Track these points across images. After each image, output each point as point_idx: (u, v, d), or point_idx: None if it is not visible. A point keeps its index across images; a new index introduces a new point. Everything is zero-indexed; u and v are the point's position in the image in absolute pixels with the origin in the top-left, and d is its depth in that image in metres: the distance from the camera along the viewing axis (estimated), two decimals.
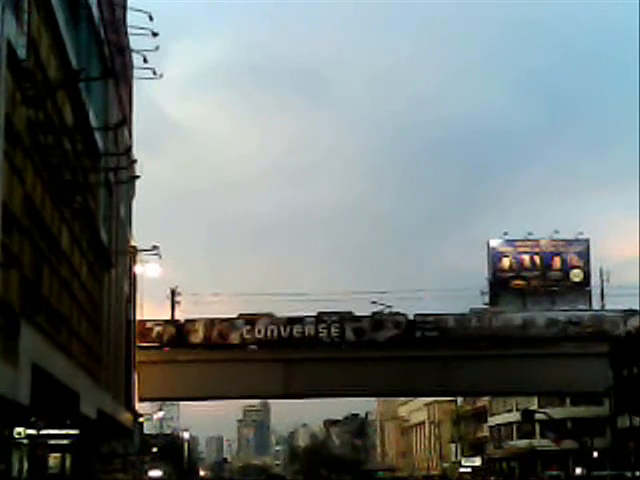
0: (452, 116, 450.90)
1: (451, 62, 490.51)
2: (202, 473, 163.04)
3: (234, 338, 64.12)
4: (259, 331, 64.21)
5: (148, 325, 62.79)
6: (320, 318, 64.63)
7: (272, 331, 64.13)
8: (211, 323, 64.42)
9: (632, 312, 66.01)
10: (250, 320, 64.41)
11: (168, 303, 69.16)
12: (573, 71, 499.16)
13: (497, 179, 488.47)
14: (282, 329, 64.16)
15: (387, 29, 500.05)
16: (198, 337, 64.14)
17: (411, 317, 64.83)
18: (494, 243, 75.98)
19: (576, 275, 74.85)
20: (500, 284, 74.47)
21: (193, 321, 64.63)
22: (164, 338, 63.80)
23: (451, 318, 65.22)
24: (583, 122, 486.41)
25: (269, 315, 65.06)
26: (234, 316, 64.96)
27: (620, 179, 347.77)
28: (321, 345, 64.34)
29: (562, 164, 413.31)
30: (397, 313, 65.77)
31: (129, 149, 37.42)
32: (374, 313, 65.94)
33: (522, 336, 64.10)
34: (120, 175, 32.95)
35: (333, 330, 64.32)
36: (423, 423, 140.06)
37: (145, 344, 60.54)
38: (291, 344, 63.83)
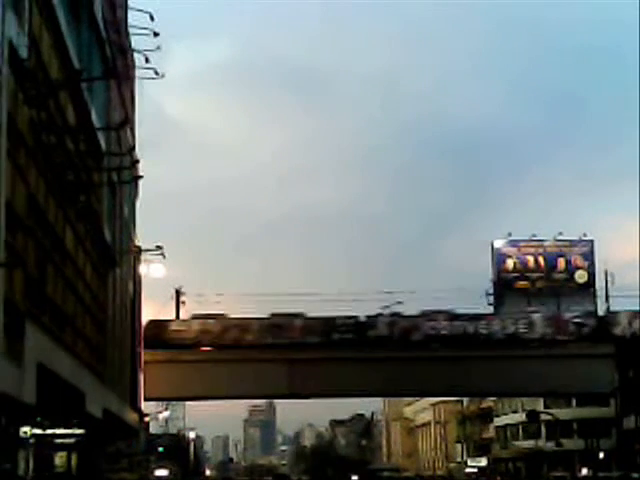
0: (453, 115, 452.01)
1: (452, 60, 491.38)
2: (208, 473, 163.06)
3: None
4: None
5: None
6: None
7: None
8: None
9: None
10: None
11: (172, 303, 69.14)
12: (577, 70, 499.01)
13: (500, 180, 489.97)
14: None
15: (384, 29, 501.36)
16: None
17: None
18: (498, 244, 75.81)
19: (581, 276, 74.62)
20: (504, 285, 74.27)
21: None
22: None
23: None
24: (588, 122, 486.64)
25: None
26: None
27: (624, 179, 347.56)
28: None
29: (566, 165, 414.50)
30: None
31: (132, 149, 37.44)
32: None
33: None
34: (123, 175, 32.99)
35: None
36: (429, 423, 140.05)
37: None
38: None
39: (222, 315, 65.51)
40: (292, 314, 65.22)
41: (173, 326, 65.03)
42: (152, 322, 63.88)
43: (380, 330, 65.00)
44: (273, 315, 65.24)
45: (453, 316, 65.79)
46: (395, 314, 66.55)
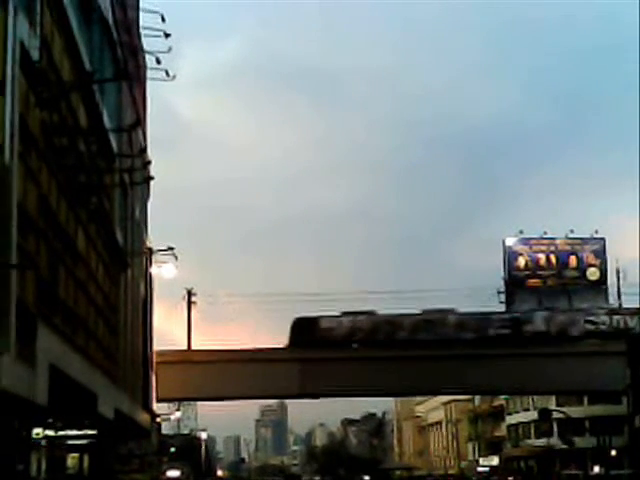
0: (463, 114, 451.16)
1: (462, 59, 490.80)
2: (220, 473, 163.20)
3: None
4: None
5: None
6: None
7: None
8: None
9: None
10: None
11: (183, 304, 69.19)
12: (588, 69, 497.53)
13: (511, 178, 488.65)
14: None
15: (394, 27, 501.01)
16: None
17: None
18: (509, 242, 75.73)
19: (592, 274, 74.52)
20: (516, 283, 74.20)
21: None
22: None
23: None
24: (597, 120, 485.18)
25: None
26: None
27: (636, 177, 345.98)
28: None
29: (577, 163, 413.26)
30: None
31: (143, 150, 37.48)
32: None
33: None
34: (135, 176, 33.01)
35: None
36: (440, 422, 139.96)
37: None
38: None
39: (372, 312, 65.39)
40: (445, 310, 65.22)
41: (323, 324, 64.81)
42: (300, 320, 63.89)
43: (537, 326, 64.67)
44: (425, 311, 65.22)
45: (614, 310, 65.17)
46: (550, 309, 66.15)
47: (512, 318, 65.02)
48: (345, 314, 65.14)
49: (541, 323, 64.76)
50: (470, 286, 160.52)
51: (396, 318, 64.85)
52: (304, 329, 64.37)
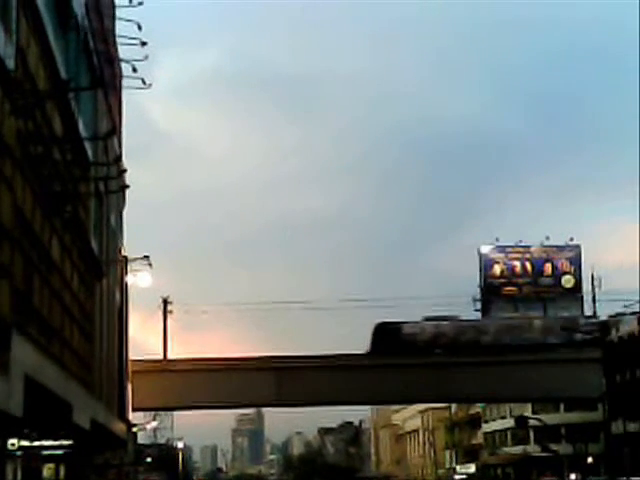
0: (439, 118, 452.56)
1: (438, 61, 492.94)
2: None
3: None
4: None
5: None
6: None
7: None
8: None
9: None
10: None
11: (159, 313, 68.87)
12: (569, 73, 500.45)
13: (488, 184, 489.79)
14: None
15: (368, 32, 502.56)
16: None
17: None
18: (485, 250, 76.02)
19: (567, 281, 74.92)
20: (492, 291, 74.49)
21: None
22: None
23: None
24: (573, 129, 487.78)
25: None
26: None
27: (611, 186, 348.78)
28: None
29: (553, 171, 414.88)
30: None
31: (119, 158, 37.31)
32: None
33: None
34: (110, 185, 32.88)
35: None
36: (417, 430, 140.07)
37: None
38: None
39: (455, 317, 65.30)
40: (531, 316, 65.22)
41: (406, 329, 64.59)
42: (382, 325, 63.67)
43: (625, 330, 64.42)
44: (509, 317, 65.22)
45: None
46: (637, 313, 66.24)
47: (600, 322, 65.13)
48: (428, 319, 65.20)
49: (630, 327, 64.99)
50: (448, 293, 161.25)
51: (481, 323, 65.05)
52: (386, 335, 64.27)
